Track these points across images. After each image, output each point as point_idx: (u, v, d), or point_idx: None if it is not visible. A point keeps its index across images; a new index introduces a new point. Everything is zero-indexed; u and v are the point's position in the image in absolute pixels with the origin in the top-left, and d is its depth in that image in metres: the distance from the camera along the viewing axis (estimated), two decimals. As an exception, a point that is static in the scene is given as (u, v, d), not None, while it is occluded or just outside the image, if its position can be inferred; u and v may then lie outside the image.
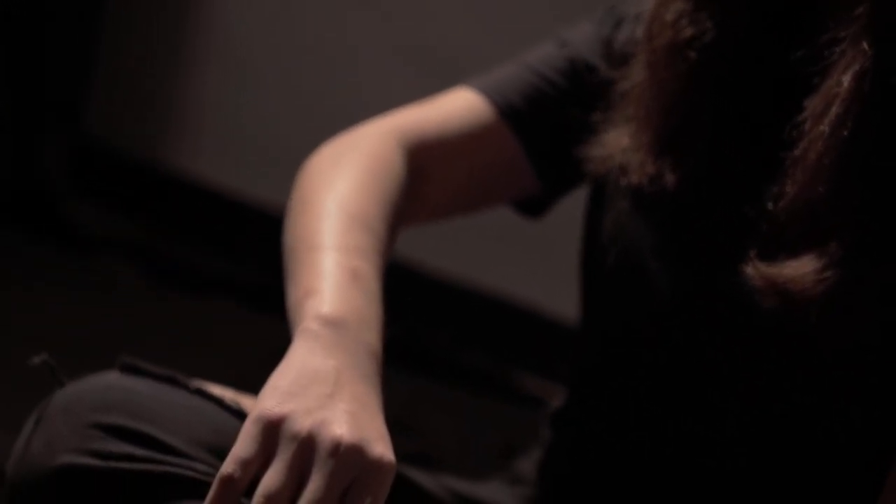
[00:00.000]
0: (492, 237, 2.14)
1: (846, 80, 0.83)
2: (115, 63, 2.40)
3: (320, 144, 1.02)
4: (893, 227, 0.84)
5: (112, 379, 0.89)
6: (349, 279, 0.86)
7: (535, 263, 2.14)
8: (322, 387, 0.79)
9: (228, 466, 0.76)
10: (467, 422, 2.00)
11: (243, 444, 0.76)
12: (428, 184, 1.03)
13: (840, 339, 0.86)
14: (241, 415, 0.90)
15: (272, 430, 0.76)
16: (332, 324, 0.83)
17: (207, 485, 0.79)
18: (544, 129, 1.04)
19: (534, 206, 1.10)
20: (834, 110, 0.83)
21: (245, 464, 0.76)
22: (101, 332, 1.98)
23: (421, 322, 2.27)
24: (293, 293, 0.87)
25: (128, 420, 0.85)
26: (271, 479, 0.75)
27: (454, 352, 2.22)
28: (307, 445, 0.76)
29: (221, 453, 0.81)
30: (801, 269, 0.84)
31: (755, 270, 0.86)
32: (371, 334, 0.84)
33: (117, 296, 2.16)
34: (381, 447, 0.77)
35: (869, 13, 0.83)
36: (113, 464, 0.83)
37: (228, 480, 0.75)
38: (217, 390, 0.93)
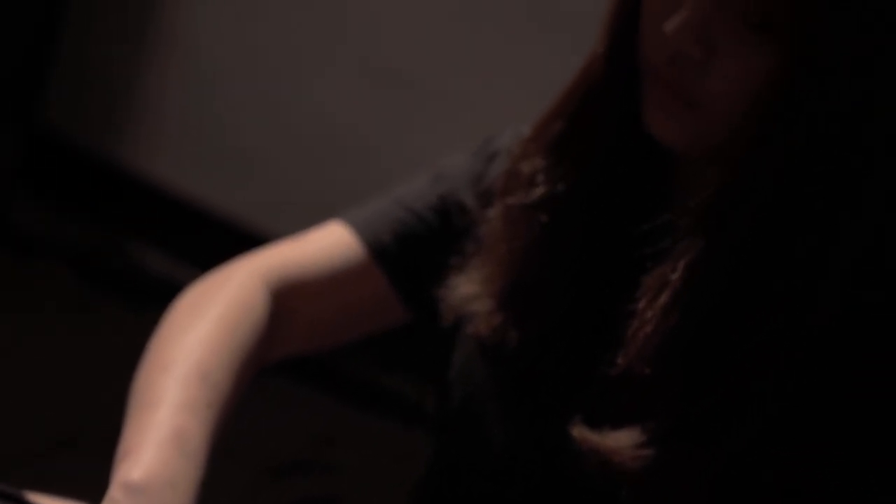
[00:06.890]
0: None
1: (679, 267, 0.84)
2: (76, 56, 2.38)
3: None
4: (712, 415, 0.85)
5: None
6: (169, 438, 0.87)
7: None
8: None
9: None
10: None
11: None
12: (294, 323, 1.05)
13: None
14: None
15: None
16: (135, 490, 0.83)
17: None
18: (413, 266, 1.06)
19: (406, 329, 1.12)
20: (663, 298, 0.84)
21: None
22: (28, 341, 1.95)
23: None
24: (118, 451, 0.88)
25: None
26: None
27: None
28: None
29: None
30: (620, 441, 0.86)
31: (580, 434, 0.88)
32: (176, 497, 0.84)
33: (50, 302, 2.13)
34: None
35: (706, 206, 0.83)
36: None
37: None
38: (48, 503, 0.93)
